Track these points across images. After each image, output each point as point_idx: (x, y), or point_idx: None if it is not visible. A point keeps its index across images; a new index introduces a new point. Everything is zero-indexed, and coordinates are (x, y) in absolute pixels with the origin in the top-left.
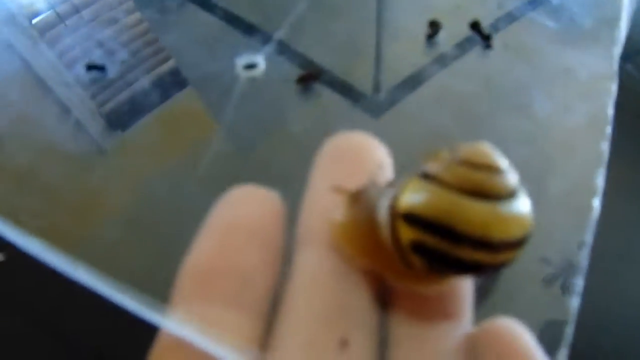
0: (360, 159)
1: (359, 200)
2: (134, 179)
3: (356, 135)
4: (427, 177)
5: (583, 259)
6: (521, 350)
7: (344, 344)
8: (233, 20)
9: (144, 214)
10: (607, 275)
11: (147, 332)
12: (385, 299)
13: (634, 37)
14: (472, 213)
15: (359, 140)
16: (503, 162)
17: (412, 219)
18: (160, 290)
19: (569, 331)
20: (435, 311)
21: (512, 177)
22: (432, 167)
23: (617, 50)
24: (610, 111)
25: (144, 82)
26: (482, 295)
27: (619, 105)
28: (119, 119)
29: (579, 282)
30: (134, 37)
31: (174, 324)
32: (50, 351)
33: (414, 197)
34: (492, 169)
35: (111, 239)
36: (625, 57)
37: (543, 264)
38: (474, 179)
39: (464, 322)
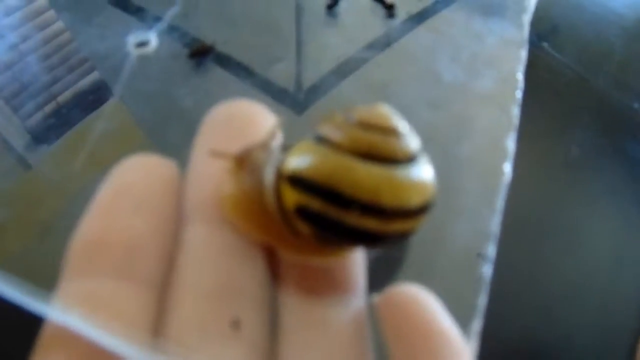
0: (246, 126)
1: (245, 165)
2: (60, 193)
3: (242, 102)
4: (319, 139)
5: (495, 225)
6: (425, 315)
7: (235, 324)
8: (123, 2)
9: (64, 228)
10: (519, 243)
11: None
12: (275, 272)
13: (546, 16)
14: (362, 176)
15: (244, 107)
16: (402, 125)
17: (297, 181)
18: None
19: (482, 301)
20: (325, 284)
21: (412, 142)
22: (325, 130)
23: (527, 17)
24: (519, 76)
25: (68, 94)
26: (391, 269)
27: (536, 83)
28: (45, 133)
29: (491, 250)
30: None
31: (58, 310)
32: None
33: (301, 159)
34: (389, 131)
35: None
36: (541, 36)
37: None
38: (368, 141)
39: (356, 295)
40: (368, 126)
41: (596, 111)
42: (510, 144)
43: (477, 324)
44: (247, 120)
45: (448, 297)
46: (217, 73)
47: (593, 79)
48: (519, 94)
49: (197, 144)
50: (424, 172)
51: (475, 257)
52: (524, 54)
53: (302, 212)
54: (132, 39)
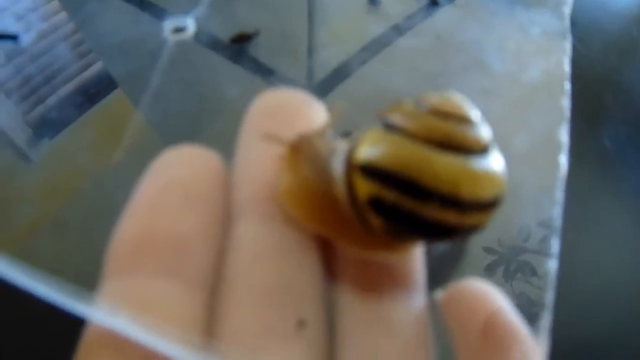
0: (294, 115)
1: (302, 152)
2: (64, 187)
3: (290, 91)
4: (389, 127)
5: (557, 217)
6: (492, 311)
7: (301, 324)
8: None
9: (74, 220)
10: (572, 241)
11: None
12: (330, 268)
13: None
14: (440, 166)
15: (291, 96)
16: (475, 114)
17: (371, 171)
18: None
19: (550, 296)
20: (385, 281)
21: (485, 131)
22: (396, 118)
23: (567, 9)
24: (566, 68)
25: (69, 87)
26: (446, 265)
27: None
28: (46, 127)
29: (554, 244)
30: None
31: (102, 312)
32: None
33: (374, 148)
34: (464, 120)
35: (42, 248)
36: None
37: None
38: (444, 130)
39: (417, 292)
40: (442, 114)
41: (625, 106)
42: (564, 135)
43: (546, 320)
44: (294, 110)
45: (522, 303)
46: (260, 61)
47: (619, 75)
48: (567, 85)
49: (242, 135)
50: (497, 163)
51: (538, 251)
52: (568, 45)
53: (376, 204)
54: (169, 25)
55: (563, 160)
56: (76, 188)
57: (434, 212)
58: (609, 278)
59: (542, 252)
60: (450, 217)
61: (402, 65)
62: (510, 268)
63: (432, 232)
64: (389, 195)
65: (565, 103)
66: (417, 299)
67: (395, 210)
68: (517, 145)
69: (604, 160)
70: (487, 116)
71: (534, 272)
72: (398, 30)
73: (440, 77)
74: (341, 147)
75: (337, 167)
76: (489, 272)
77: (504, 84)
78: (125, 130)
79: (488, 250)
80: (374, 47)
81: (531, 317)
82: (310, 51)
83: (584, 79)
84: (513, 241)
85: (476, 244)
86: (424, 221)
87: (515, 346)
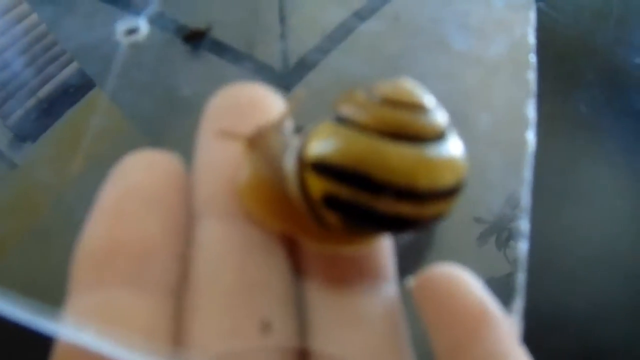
0: (252, 110)
1: (259, 148)
2: (48, 191)
3: (245, 86)
4: (340, 120)
5: (525, 198)
6: (467, 295)
7: (266, 326)
8: None
9: (56, 226)
10: (549, 214)
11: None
12: (297, 264)
13: None
14: (394, 158)
15: (249, 91)
16: (429, 100)
17: (323, 168)
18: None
19: (521, 279)
20: (354, 273)
21: (440, 116)
22: (346, 109)
23: None
24: (531, 40)
25: (48, 88)
26: (416, 254)
27: (539, 45)
28: (27, 130)
29: (524, 225)
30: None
31: (69, 328)
32: None
33: (324, 143)
34: (417, 108)
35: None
36: None
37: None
38: (396, 119)
39: (387, 282)
40: (394, 103)
41: (599, 69)
42: (531, 111)
43: (519, 303)
44: (253, 105)
45: (484, 276)
46: (214, 58)
47: (592, 38)
48: (533, 58)
49: (201, 134)
50: (455, 148)
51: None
52: (532, 15)
53: (331, 201)
54: (121, 27)
55: (530, 136)
56: (38, 204)
57: (390, 206)
58: (592, 248)
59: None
60: (408, 208)
61: (362, 51)
62: (501, 237)
63: (391, 225)
64: (343, 191)
65: (531, 76)
66: (387, 289)
67: (351, 207)
68: (482, 124)
69: (582, 126)
70: (450, 97)
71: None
72: (359, 16)
73: (401, 60)
74: (294, 142)
75: (289, 164)
76: (480, 242)
77: (466, 62)
78: (84, 140)
79: (478, 220)
80: (336, 36)
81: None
82: (273, 43)
83: (556, 45)
84: (502, 209)
85: (467, 214)
86: (382, 216)
87: (488, 329)
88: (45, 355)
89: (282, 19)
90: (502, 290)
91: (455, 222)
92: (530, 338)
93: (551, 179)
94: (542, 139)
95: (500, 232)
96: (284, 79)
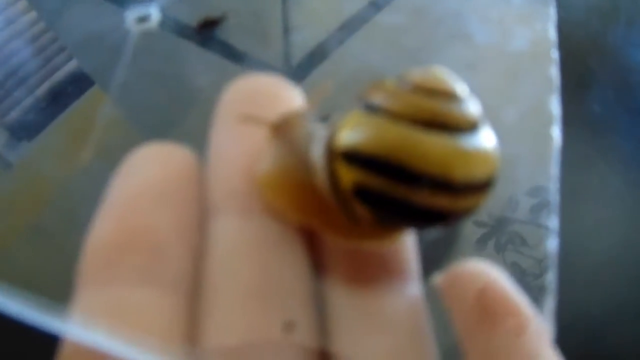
0: (270, 102)
1: (284, 136)
2: (45, 190)
3: (264, 76)
4: (371, 109)
5: (553, 194)
6: (497, 292)
7: (289, 326)
8: None
9: (55, 225)
10: (566, 211)
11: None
12: (318, 259)
13: None
14: (429, 148)
15: (268, 81)
16: (462, 88)
17: (354, 157)
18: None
19: (552, 277)
20: (378, 271)
21: (473, 106)
22: (377, 98)
23: None
24: (552, 35)
25: (45, 87)
26: (441, 250)
27: None
28: (24, 129)
29: (554, 221)
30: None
31: (77, 326)
32: None
33: (355, 132)
34: (451, 96)
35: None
36: None
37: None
38: (430, 108)
39: (411, 280)
40: (426, 91)
41: (610, 69)
42: (555, 106)
43: (550, 302)
44: (270, 95)
45: (515, 273)
46: (231, 46)
47: (603, 38)
48: (555, 54)
49: (216, 124)
50: (489, 140)
51: (528, 222)
52: (552, 11)
53: (361, 192)
54: (131, 15)
55: (556, 132)
56: (48, 194)
57: (425, 198)
58: (607, 247)
59: (532, 222)
60: (443, 201)
61: (381, 43)
62: (501, 240)
63: (424, 218)
64: (376, 182)
65: (554, 72)
66: (411, 288)
67: (383, 198)
68: (506, 118)
69: (594, 126)
70: (473, 90)
71: (524, 242)
72: (376, 6)
73: (421, 52)
74: (320, 132)
75: (317, 154)
76: (480, 245)
77: (488, 55)
78: (94, 129)
79: (478, 223)
80: (352, 25)
81: (524, 287)
82: (286, 33)
83: (568, 45)
84: (502, 212)
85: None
86: (415, 208)
87: (510, 317)
88: (50, 355)
89: (293, 11)
90: None
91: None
92: None
93: (565, 178)
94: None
95: (499, 236)
96: (298, 70)
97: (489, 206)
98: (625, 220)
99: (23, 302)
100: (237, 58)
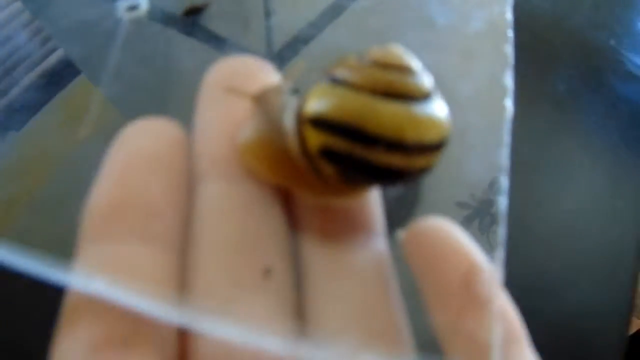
0: (249, 81)
1: (262, 107)
2: (36, 170)
3: (244, 58)
4: (335, 81)
5: (504, 157)
6: (455, 245)
7: (267, 273)
8: None
9: (49, 199)
10: (525, 187)
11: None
12: (293, 218)
13: None
14: (385, 114)
15: (248, 63)
16: (416, 63)
17: (320, 122)
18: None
19: (502, 231)
20: (347, 227)
21: (426, 79)
22: (341, 72)
23: None
24: (509, 16)
25: (32, 75)
26: (405, 208)
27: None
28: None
29: (504, 181)
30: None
31: (80, 277)
32: None
33: (321, 101)
34: (405, 70)
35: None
36: None
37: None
38: (386, 80)
39: (377, 235)
40: (384, 65)
41: (575, 50)
42: (509, 80)
43: (500, 253)
44: (250, 75)
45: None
46: (213, 31)
47: (568, 20)
48: (510, 33)
49: (200, 100)
50: (439, 108)
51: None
52: None
53: (327, 153)
54: (122, 3)
55: (509, 103)
56: (47, 170)
57: (381, 157)
58: (565, 218)
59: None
60: (398, 160)
61: (350, 27)
62: (484, 221)
63: (381, 176)
64: (339, 144)
65: (509, 50)
66: (377, 242)
67: (346, 158)
68: (462, 92)
69: (559, 103)
70: (433, 68)
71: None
72: None
73: (386, 34)
74: (291, 103)
75: (289, 121)
76: (464, 226)
77: (448, 36)
78: (90, 108)
79: (461, 205)
80: (331, 13)
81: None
82: (267, 19)
83: (534, 27)
84: (485, 194)
85: (449, 199)
86: (373, 166)
87: (474, 276)
88: (56, 306)
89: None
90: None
91: (439, 206)
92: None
93: (528, 153)
94: (521, 115)
95: (483, 217)
96: (279, 55)
97: (473, 187)
98: (587, 189)
99: (30, 260)
100: (219, 43)
